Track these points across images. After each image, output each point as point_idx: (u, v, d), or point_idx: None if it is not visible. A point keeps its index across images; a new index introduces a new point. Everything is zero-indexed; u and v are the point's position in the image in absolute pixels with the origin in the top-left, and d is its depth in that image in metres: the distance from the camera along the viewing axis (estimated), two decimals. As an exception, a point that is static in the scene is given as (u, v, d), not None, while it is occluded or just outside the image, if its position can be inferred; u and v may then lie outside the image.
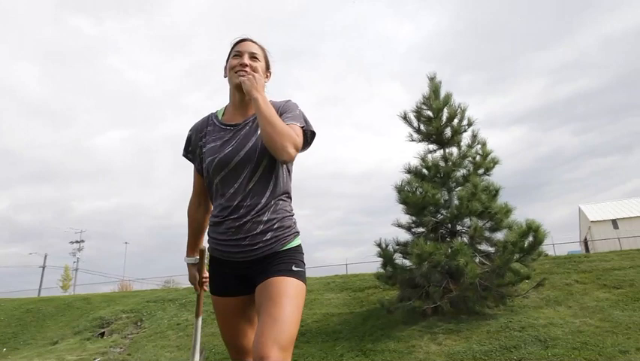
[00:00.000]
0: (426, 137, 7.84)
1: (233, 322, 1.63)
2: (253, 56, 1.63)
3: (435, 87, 7.93)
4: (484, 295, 6.60)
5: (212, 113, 1.75)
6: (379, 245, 7.24)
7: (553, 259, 9.37)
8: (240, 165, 1.53)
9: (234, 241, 1.51)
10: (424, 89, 8.00)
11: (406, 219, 7.59)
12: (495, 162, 7.59)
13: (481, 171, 7.58)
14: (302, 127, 1.56)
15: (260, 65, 1.64)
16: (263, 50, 1.70)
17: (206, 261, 1.80)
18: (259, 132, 1.54)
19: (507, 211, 7.00)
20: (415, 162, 7.75)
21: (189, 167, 1.76)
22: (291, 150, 1.42)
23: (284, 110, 1.59)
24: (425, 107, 7.91)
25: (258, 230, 1.50)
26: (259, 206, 1.52)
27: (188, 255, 1.83)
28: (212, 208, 1.68)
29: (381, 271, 7.40)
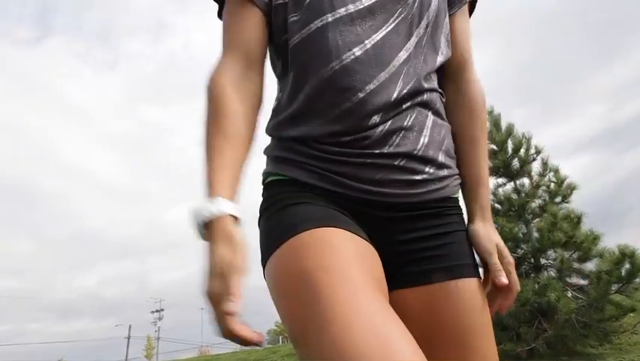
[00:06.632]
0: (493, 171, 7.66)
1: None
2: None
3: (494, 120, 7.83)
4: (584, 333, 6.04)
5: None
6: (459, 287, 6.96)
7: (658, 288, 8.44)
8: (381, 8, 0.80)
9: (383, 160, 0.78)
10: (483, 125, 7.91)
11: (483, 257, 7.30)
12: (572, 187, 7.19)
13: (558, 199, 7.21)
14: None
15: None
16: None
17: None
18: None
19: (594, 238, 6.51)
20: (486, 198, 7.55)
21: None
22: None
23: None
24: (487, 142, 7.80)
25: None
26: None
27: (215, 194, 0.68)
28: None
29: (465, 314, 7.05)
